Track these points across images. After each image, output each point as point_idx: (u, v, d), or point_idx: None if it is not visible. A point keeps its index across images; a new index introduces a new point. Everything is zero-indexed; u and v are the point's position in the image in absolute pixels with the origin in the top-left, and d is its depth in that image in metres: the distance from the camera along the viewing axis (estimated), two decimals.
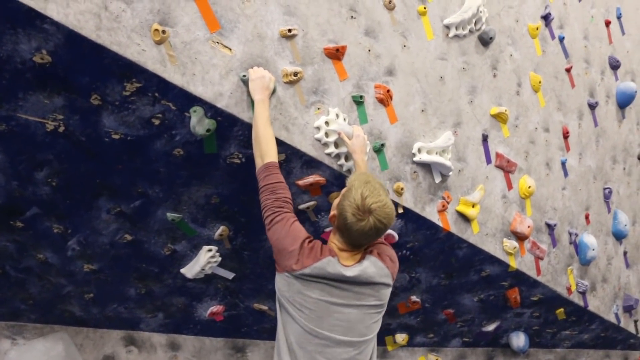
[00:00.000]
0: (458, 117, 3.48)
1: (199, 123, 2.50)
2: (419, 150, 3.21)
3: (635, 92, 5.12)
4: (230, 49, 2.53)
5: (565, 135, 4.44)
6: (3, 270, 3.04)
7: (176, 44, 2.40)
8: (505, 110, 3.76)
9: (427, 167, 3.28)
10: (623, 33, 5.29)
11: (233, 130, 2.59)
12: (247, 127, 2.56)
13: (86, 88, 2.36)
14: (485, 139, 3.66)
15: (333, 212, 2.33)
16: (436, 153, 3.27)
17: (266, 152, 2.41)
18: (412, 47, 3.21)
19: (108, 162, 2.62)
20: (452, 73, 3.44)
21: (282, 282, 2.29)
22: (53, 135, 2.47)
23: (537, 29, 4.14)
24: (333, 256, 2.25)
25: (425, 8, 3.26)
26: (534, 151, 4.10)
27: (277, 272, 2.33)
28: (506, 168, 3.84)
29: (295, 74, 2.68)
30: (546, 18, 4.26)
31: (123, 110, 2.44)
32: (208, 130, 2.52)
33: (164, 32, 2.35)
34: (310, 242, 2.29)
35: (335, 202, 2.34)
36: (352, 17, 2.95)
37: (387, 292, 2.38)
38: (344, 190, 2.31)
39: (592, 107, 4.80)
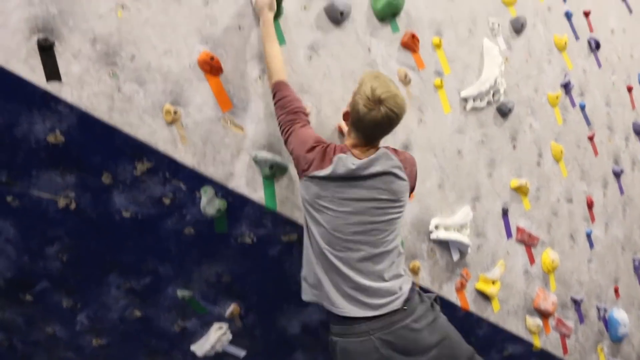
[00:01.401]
0: (477, 191, 3.40)
1: (209, 203, 2.46)
2: (436, 227, 3.12)
3: None
4: (242, 128, 2.52)
5: (590, 205, 4.32)
6: (10, 343, 2.99)
7: (188, 123, 2.39)
8: (526, 183, 3.67)
9: (444, 244, 3.19)
10: None
11: (244, 210, 2.55)
12: (259, 208, 2.53)
13: (98, 167, 2.35)
14: (505, 212, 3.57)
15: (346, 109, 2.37)
16: (454, 230, 3.18)
17: (274, 71, 2.46)
18: (429, 121, 3.18)
19: (118, 239, 2.59)
20: (470, 146, 3.38)
21: (302, 188, 2.36)
22: (64, 212, 2.46)
23: (557, 97, 4.10)
24: (345, 152, 2.29)
25: (441, 81, 3.25)
26: (556, 223, 3.98)
27: (299, 180, 2.40)
28: (528, 242, 3.72)
29: None
30: (566, 86, 4.22)
31: (134, 189, 2.43)
32: (218, 211, 2.48)
33: (175, 112, 2.35)
34: (321, 146, 2.33)
35: (349, 101, 2.36)
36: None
37: (400, 184, 2.36)
38: (355, 88, 2.34)
39: (617, 174, 4.69)
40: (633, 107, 5.06)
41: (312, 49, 2.77)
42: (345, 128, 2.71)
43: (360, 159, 2.29)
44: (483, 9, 3.62)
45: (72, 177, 2.36)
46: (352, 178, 2.28)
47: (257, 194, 2.54)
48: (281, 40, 2.66)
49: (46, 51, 2.15)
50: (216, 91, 2.45)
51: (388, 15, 3.03)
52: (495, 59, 3.49)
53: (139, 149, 2.32)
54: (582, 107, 4.39)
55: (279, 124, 2.41)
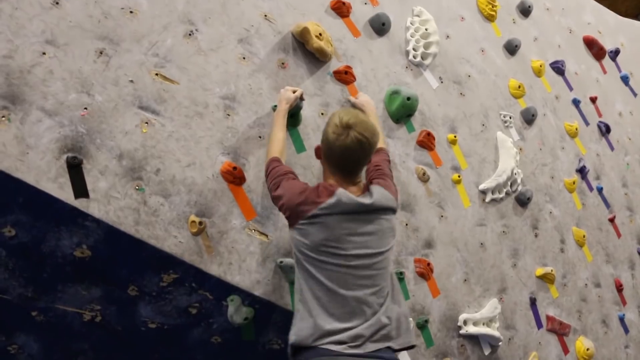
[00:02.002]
0: (502, 282, 3.35)
1: (236, 312, 2.44)
2: (465, 323, 3.06)
3: None
4: (267, 236, 2.54)
5: (619, 289, 4.22)
6: None
7: (213, 233, 2.42)
8: (552, 270, 3.62)
9: (474, 338, 3.10)
10: None
11: (271, 317, 2.52)
12: (286, 314, 2.49)
13: (124, 280, 2.36)
14: (533, 302, 3.49)
15: (318, 145, 2.34)
16: (483, 324, 3.11)
17: (273, 151, 2.47)
18: (450, 216, 3.19)
19: (144, 351, 2.55)
20: (492, 238, 3.37)
21: (299, 235, 2.21)
22: (90, 326, 2.44)
23: (573, 183, 4.11)
24: (343, 188, 2.23)
25: (459, 176, 3.28)
26: (587, 309, 3.87)
27: (292, 229, 2.26)
28: (559, 331, 3.61)
29: None
30: (581, 171, 4.24)
31: (160, 300, 2.42)
32: (246, 319, 2.45)
33: (200, 223, 2.38)
34: (314, 186, 2.26)
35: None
36: None
37: (394, 217, 2.35)
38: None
39: None
40: None
41: None
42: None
43: (357, 195, 2.25)
44: (494, 102, 3.72)
45: (98, 290, 2.37)
46: (357, 211, 2.20)
47: (284, 300, 2.52)
48: (301, 147, 2.73)
49: (74, 169, 2.22)
50: (240, 200, 2.49)
51: (403, 116, 3.12)
52: (510, 150, 3.55)
53: (165, 261, 2.34)
54: (600, 190, 4.39)
55: (270, 189, 2.34)
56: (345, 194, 2.19)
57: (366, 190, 2.30)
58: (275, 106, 2.65)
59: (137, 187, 2.30)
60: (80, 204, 2.18)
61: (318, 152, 2.36)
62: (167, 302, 2.42)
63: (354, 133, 2.16)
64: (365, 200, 2.22)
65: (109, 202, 2.24)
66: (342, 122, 2.18)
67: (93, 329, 2.45)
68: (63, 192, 2.16)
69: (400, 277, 2.86)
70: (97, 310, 2.41)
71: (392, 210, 2.32)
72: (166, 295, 2.41)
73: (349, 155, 2.21)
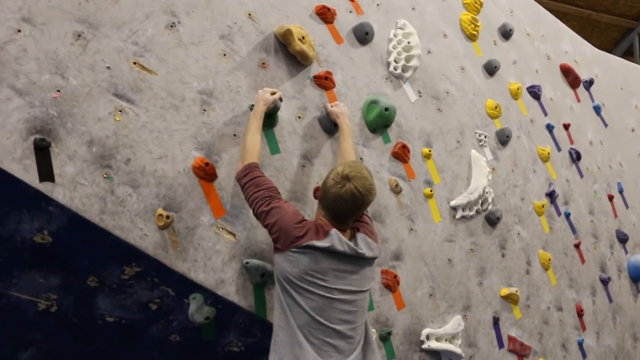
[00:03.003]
0: (467, 300, 3.36)
1: (198, 310, 2.39)
2: (428, 337, 3.05)
3: None
4: (235, 235, 2.50)
5: (580, 314, 4.27)
6: None
7: (180, 229, 2.37)
8: (516, 291, 3.64)
9: (436, 354, 3.10)
10: (627, 207, 5.34)
11: (233, 318, 2.48)
12: (248, 316, 2.46)
13: (84, 270, 2.29)
14: (496, 321, 3.51)
15: (317, 185, 2.43)
16: (445, 340, 3.11)
17: (249, 156, 2.45)
18: (420, 230, 3.19)
19: (100, 345, 2.48)
20: (460, 255, 3.38)
21: (286, 262, 2.26)
22: (44, 315, 2.36)
23: (543, 206, 4.16)
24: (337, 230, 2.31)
25: (431, 191, 3.30)
26: (548, 332, 3.91)
27: (279, 253, 2.30)
28: (520, 352, 3.63)
29: None
30: (551, 195, 4.30)
31: (120, 293, 2.35)
32: (207, 318, 2.40)
33: (168, 217, 2.33)
34: (312, 221, 2.35)
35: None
36: None
37: (374, 263, 2.48)
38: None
39: (605, 282, 4.68)
40: (615, 215, 5.14)
41: (305, 157, 2.82)
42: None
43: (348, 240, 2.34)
44: (470, 121, 3.76)
45: (56, 278, 2.29)
46: (349, 258, 2.30)
47: (247, 302, 2.47)
48: (275, 149, 2.70)
49: (42, 152, 2.15)
50: (210, 197, 2.45)
51: (380, 126, 3.12)
52: (482, 169, 3.58)
53: (129, 253, 2.28)
54: (567, 216, 4.46)
55: (254, 199, 2.34)
56: (338, 237, 2.28)
57: (352, 236, 2.39)
58: (253, 105, 2.63)
59: (105, 176, 2.25)
60: (44, 187, 2.12)
61: (315, 192, 2.45)
62: (127, 296, 2.36)
63: (350, 185, 2.26)
64: (355, 247, 2.32)
65: (75, 188, 2.18)
66: (344, 173, 2.29)
67: (47, 319, 2.37)
68: (28, 174, 2.09)
69: None
70: (53, 300, 2.33)
71: (375, 259, 2.44)
72: (127, 288, 2.34)
73: (341, 204, 2.29)
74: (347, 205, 2.29)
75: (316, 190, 2.43)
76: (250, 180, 2.37)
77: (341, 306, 2.26)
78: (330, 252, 2.25)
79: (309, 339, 2.20)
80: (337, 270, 2.27)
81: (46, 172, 2.16)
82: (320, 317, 2.22)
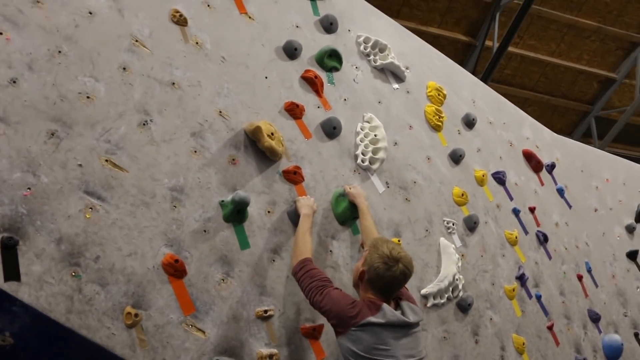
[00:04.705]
0: None
1: None
2: None
3: (622, 344, 5.03)
4: (204, 332, 2.47)
5: None
6: None
7: (148, 327, 2.34)
8: None
9: None
10: (597, 285, 5.40)
11: None
12: None
13: None
14: None
15: (362, 268, 2.61)
16: None
17: (302, 252, 2.71)
18: None
19: None
20: (433, 344, 3.36)
21: (349, 342, 2.46)
22: None
23: (513, 290, 4.20)
24: (371, 299, 2.54)
25: None
26: None
27: (341, 336, 2.51)
28: None
29: (271, 356, 2.59)
30: (521, 278, 4.35)
31: None
32: None
33: (136, 315, 2.31)
34: (361, 300, 2.57)
35: (360, 262, 2.66)
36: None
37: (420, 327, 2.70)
38: (366, 252, 2.65)
39: None
40: (586, 295, 5.19)
41: (275, 252, 2.85)
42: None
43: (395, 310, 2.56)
44: (438, 209, 3.85)
45: None
46: (401, 325, 2.52)
47: None
48: (245, 244, 2.73)
49: (9, 250, 2.14)
50: (179, 294, 2.44)
51: (349, 218, 3.18)
52: (452, 256, 3.63)
53: (95, 353, 2.23)
54: (539, 298, 4.50)
55: (309, 289, 2.58)
56: (389, 310, 2.51)
57: (397, 305, 2.64)
58: (222, 201, 2.69)
59: (73, 274, 2.24)
60: (9, 287, 2.09)
61: (362, 275, 2.62)
62: None
63: (400, 266, 2.55)
64: (403, 316, 2.55)
65: (41, 287, 2.16)
66: (392, 256, 2.55)
67: None
68: None
69: None
70: None
71: (420, 321, 2.67)
72: None
73: (394, 283, 2.58)
74: (399, 283, 2.60)
75: (362, 273, 2.60)
76: (305, 272, 2.62)
77: None
78: (384, 324, 2.46)
79: None
80: (395, 339, 2.48)
81: (12, 271, 2.14)
82: None
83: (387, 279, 2.54)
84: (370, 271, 2.57)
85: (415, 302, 2.77)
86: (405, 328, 2.53)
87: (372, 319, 2.45)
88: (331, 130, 3.35)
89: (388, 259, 2.54)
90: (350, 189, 3.19)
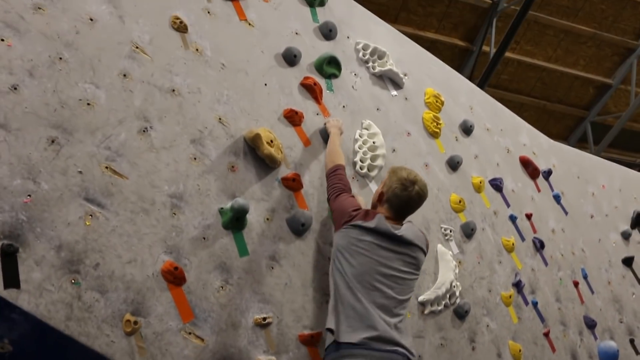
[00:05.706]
0: None
1: None
2: None
3: (617, 350, 5.05)
4: (203, 339, 2.48)
5: None
6: None
7: (147, 334, 2.34)
8: None
9: None
10: (592, 292, 5.43)
11: None
12: None
13: None
14: None
15: (381, 190, 2.94)
16: None
17: (338, 158, 3.06)
18: None
19: None
20: (430, 351, 3.37)
21: (339, 237, 2.77)
22: None
23: (510, 296, 4.22)
24: (384, 216, 2.79)
25: None
26: None
27: (336, 232, 2.83)
28: None
29: None
30: (518, 285, 4.37)
31: None
32: None
33: (135, 322, 2.31)
34: (364, 209, 2.83)
35: (380, 186, 2.99)
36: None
37: (422, 257, 2.89)
38: (386, 177, 2.98)
39: None
40: (582, 301, 5.22)
41: (274, 259, 2.85)
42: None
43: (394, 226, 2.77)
44: (435, 216, 3.87)
45: None
46: (389, 237, 2.73)
47: None
48: (244, 251, 2.74)
49: (8, 257, 2.14)
50: (178, 301, 2.45)
51: None
52: (449, 263, 3.65)
53: None
54: (535, 305, 4.52)
55: (332, 186, 2.94)
56: (383, 220, 2.76)
57: (400, 225, 2.85)
58: (222, 208, 2.70)
59: (73, 281, 2.23)
60: (9, 294, 2.09)
61: (381, 197, 2.91)
62: None
63: (417, 187, 2.85)
64: (396, 231, 2.76)
65: (41, 294, 2.15)
66: (409, 178, 2.85)
67: None
68: None
69: None
70: None
71: (419, 248, 2.85)
72: None
73: (410, 203, 2.87)
74: (414, 204, 2.89)
75: (380, 195, 2.90)
76: (335, 174, 2.97)
77: (382, 279, 2.65)
78: (374, 230, 2.70)
79: (359, 288, 2.61)
80: (377, 246, 2.68)
81: (12, 279, 2.14)
82: (362, 279, 2.62)
83: (404, 198, 2.81)
84: (389, 192, 2.85)
85: (427, 237, 2.99)
86: (392, 241, 2.73)
87: (362, 222, 2.71)
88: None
89: (405, 181, 2.82)
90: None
